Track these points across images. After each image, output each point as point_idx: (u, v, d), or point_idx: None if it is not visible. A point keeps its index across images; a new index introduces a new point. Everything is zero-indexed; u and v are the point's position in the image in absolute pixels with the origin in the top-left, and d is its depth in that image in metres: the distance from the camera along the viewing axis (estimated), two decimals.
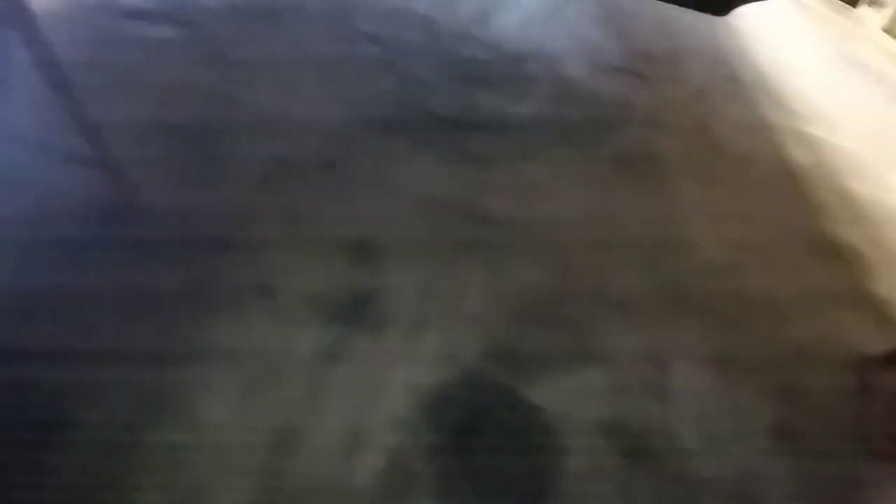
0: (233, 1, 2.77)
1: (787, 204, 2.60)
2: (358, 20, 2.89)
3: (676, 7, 4.56)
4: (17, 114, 1.58)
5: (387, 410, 1.38)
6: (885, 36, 4.60)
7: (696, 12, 3.84)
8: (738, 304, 2.02)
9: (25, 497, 1.12)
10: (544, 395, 1.53)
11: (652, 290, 1.95)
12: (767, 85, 3.69)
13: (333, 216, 1.82)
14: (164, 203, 1.68)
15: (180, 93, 2.10)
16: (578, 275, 1.92)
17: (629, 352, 1.74)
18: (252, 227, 1.71)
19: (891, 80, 4.12)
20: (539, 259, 1.92)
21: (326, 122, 2.18)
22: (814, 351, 1.91)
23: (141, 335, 1.37)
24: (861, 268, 2.30)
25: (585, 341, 1.72)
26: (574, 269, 1.94)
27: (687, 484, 1.48)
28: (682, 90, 3.27)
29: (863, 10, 5.73)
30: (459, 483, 1.31)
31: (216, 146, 1.94)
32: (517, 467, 1.37)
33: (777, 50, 4.26)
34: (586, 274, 1.93)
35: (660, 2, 4.47)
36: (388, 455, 1.30)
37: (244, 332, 1.44)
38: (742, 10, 4.84)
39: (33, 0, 1.53)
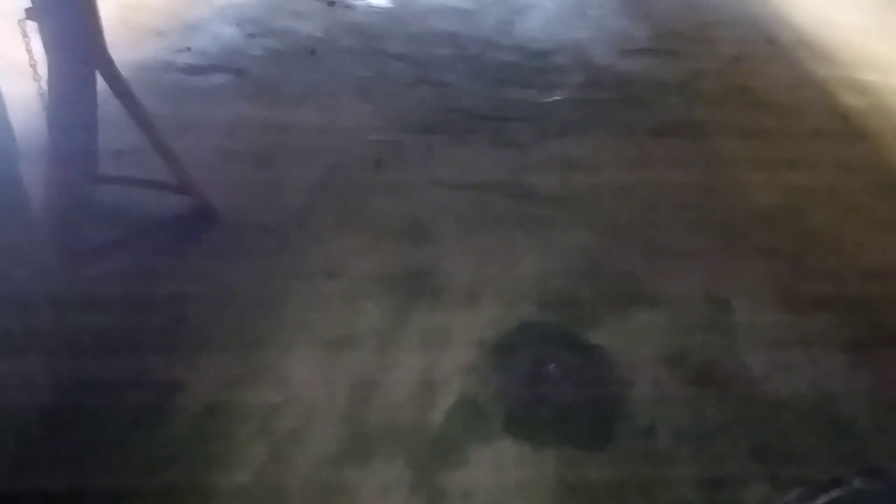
0: (274, 46, 3.03)
1: (841, 146, 2.55)
2: (387, 45, 3.09)
3: None
4: (105, 144, 1.81)
5: (454, 361, 1.47)
6: None
7: None
8: (798, 242, 2.00)
9: (145, 451, 1.27)
10: (604, 336, 1.58)
11: (706, 238, 1.97)
12: (809, 42, 3.64)
13: (386, 207, 1.96)
14: (234, 212, 1.87)
15: (239, 126, 2.33)
16: (627, 231, 1.97)
17: (687, 294, 1.76)
18: (312, 223, 1.87)
19: None
20: (586, 223, 1.98)
21: (369, 130, 2.35)
22: (884, 272, 1.87)
23: (231, 319, 1.54)
24: None
25: (641, 288, 1.76)
26: (622, 227, 1.99)
27: (760, 404, 1.48)
28: (717, 60, 3.28)
29: None
30: (528, 415, 1.38)
31: (275, 164, 2.14)
32: (584, 397, 1.42)
33: (816, 9, 4.19)
34: (635, 230, 1.98)
35: None
36: (459, 396, 1.39)
37: (316, 307, 1.58)
38: None
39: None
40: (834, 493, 1.05)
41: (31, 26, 1.54)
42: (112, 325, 1.51)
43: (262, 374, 1.43)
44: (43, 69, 1.60)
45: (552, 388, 1.44)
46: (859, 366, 1.59)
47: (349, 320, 1.56)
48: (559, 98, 2.73)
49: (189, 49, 2.91)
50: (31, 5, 1.53)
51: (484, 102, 2.63)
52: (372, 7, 3.68)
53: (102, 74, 1.69)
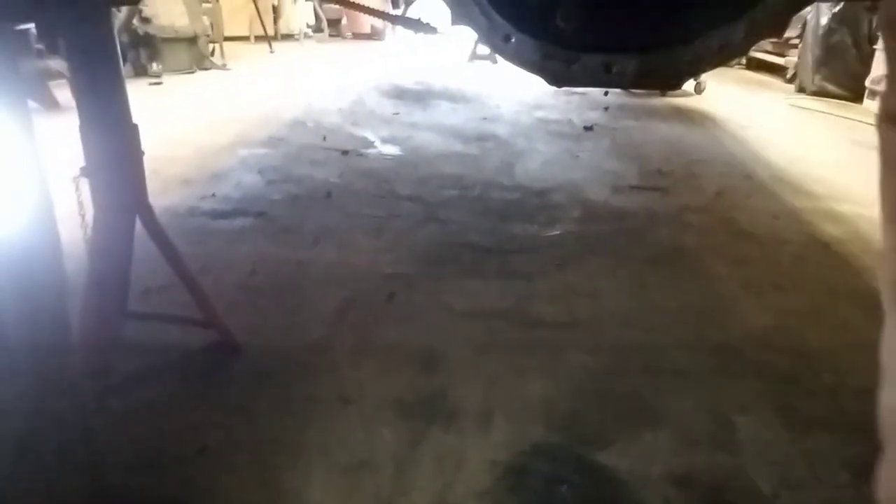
0: (292, 191, 3.29)
1: (824, 271, 2.70)
2: (398, 187, 3.36)
3: (684, 127, 4.99)
4: (134, 282, 1.96)
5: (468, 484, 1.51)
6: None
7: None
8: (793, 360, 2.09)
9: None
10: (612, 456, 1.63)
11: (704, 359, 2.06)
12: (786, 176, 3.93)
13: (399, 336, 2.07)
14: (256, 343, 1.98)
15: (261, 263, 2.50)
16: (630, 354, 2.06)
17: (691, 413, 1.82)
18: (330, 352, 1.97)
19: None
20: (590, 347, 2.08)
21: (383, 265, 2.52)
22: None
23: (251, 446, 1.59)
24: None
25: (646, 408, 1.83)
26: (625, 350, 2.09)
27: None
28: (702, 194, 3.54)
29: (868, 104, 6.07)
30: None
31: (294, 296, 2.28)
32: None
33: (789, 148, 4.55)
34: (637, 354, 2.07)
35: (664, 125, 4.90)
36: None
37: (334, 433, 1.64)
38: (748, 120, 5.22)
39: None
40: None
41: (83, 182, 1.75)
42: (136, 452, 1.57)
43: (281, 499, 1.47)
44: (89, 217, 1.79)
45: None
46: (863, 483, 1.61)
47: (366, 445, 1.62)
48: (559, 232, 2.93)
49: (214, 195, 3.17)
50: (84, 164, 1.75)
51: (489, 237, 2.83)
52: (383, 154, 4.02)
53: (141, 220, 1.88)
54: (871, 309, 1.97)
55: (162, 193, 3.05)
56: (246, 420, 1.70)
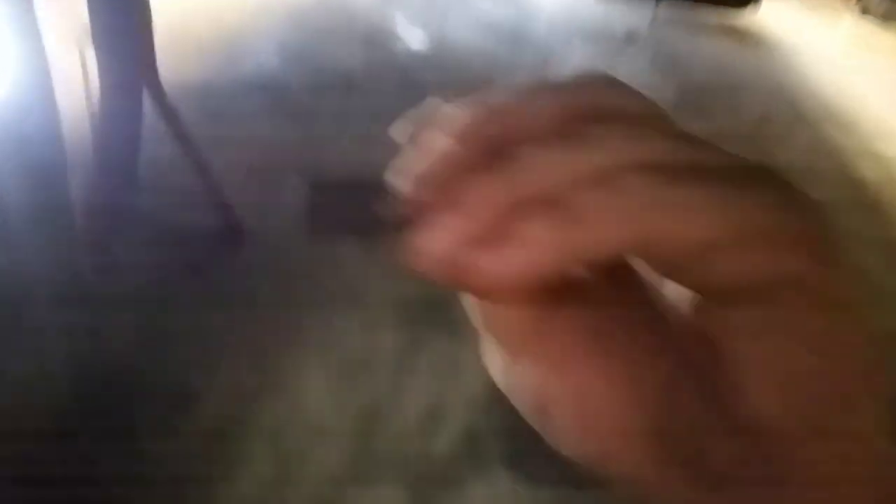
0: (313, 75, 3.16)
1: (853, 217, 2.60)
2: (424, 79, 3.22)
3: (731, 43, 4.69)
4: (146, 163, 1.91)
5: (462, 393, 1.52)
6: None
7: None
8: None
9: (153, 460, 1.32)
10: None
11: None
12: (831, 109, 3.72)
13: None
14: (262, 232, 1.95)
15: (274, 148, 2.43)
16: None
17: None
18: (338, 249, 1.94)
19: None
20: None
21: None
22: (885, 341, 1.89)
23: (249, 334, 1.60)
24: None
25: None
26: None
27: None
28: (741, 121, 3.36)
29: None
30: (529, 452, 1.41)
31: (306, 188, 2.22)
32: None
33: (839, 77, 4.28)
34: None
35: (712, 42, 4.61)
36: (463, 428, 1.43)
37: (334, 330, 1.64)
38: (802, 43, 4.90)
39: None
40: None
41: (89, 48, 1.66)
42: (135, 331, 1.58)
43: (275, 390, 1.48)
44: (95, 87, 1.72)
45: None
46: None
47: (365, 344, 1.62)
48: None
49: (229, 72, 3.05)
50: (90, 28, 1.65)
51: None
52: (410, 44, 3.82)
53: (149, 93, 1.80)
54: (893, 261, 1.89)
55: (173, 67, 2.93)
56: (247, 307, 1.70)
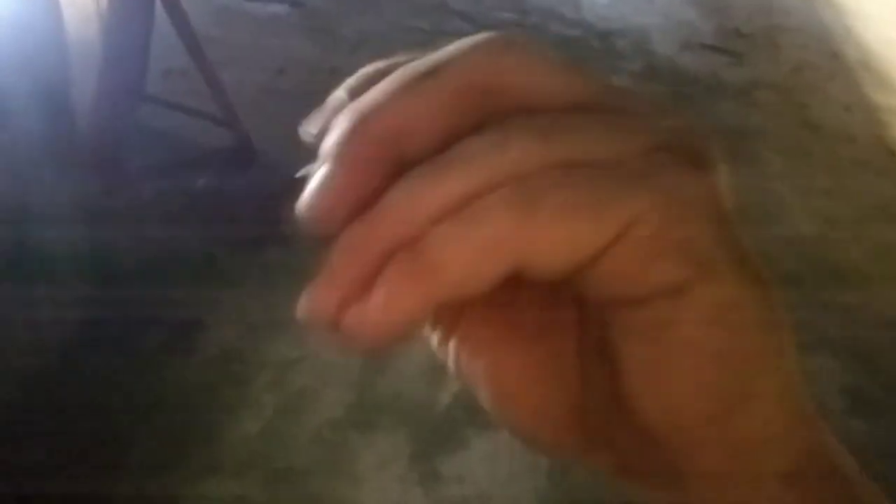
0: None
1: (882, 183, 2.52)
2: (450, 0, 3.03)
3: None
4: (154, 77, 1.82)
5: None
6: None
7: None
8: (823, 275, 2.01)
9: (156, 393, 1.33)
10: None
11: None
12: (873, 63, 3.53)
13: None
14: (273, 153, 1.89)
15: (290, 62, 2.32)
16: None
17: None
18: None
19: None
20: None
21: None
22: None
23: (259, 263, 1.58)
24: None
25: None
26: None
27: None
28: (778, 69, 3.20)
29: None
30: None
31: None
32: None
33: (889, 27, 4.05)
34: None
35: None
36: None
37: None
38: None
39: None
40: None
41: None
42: (141, 252, 1.55)
43: (282, 326, 1.47)
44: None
45: None
46: (856, 413, 1.63)
47: None
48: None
49: None
50: None
51: None
52: None
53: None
54: None
55: None
56: (255, 237, 1.66)
